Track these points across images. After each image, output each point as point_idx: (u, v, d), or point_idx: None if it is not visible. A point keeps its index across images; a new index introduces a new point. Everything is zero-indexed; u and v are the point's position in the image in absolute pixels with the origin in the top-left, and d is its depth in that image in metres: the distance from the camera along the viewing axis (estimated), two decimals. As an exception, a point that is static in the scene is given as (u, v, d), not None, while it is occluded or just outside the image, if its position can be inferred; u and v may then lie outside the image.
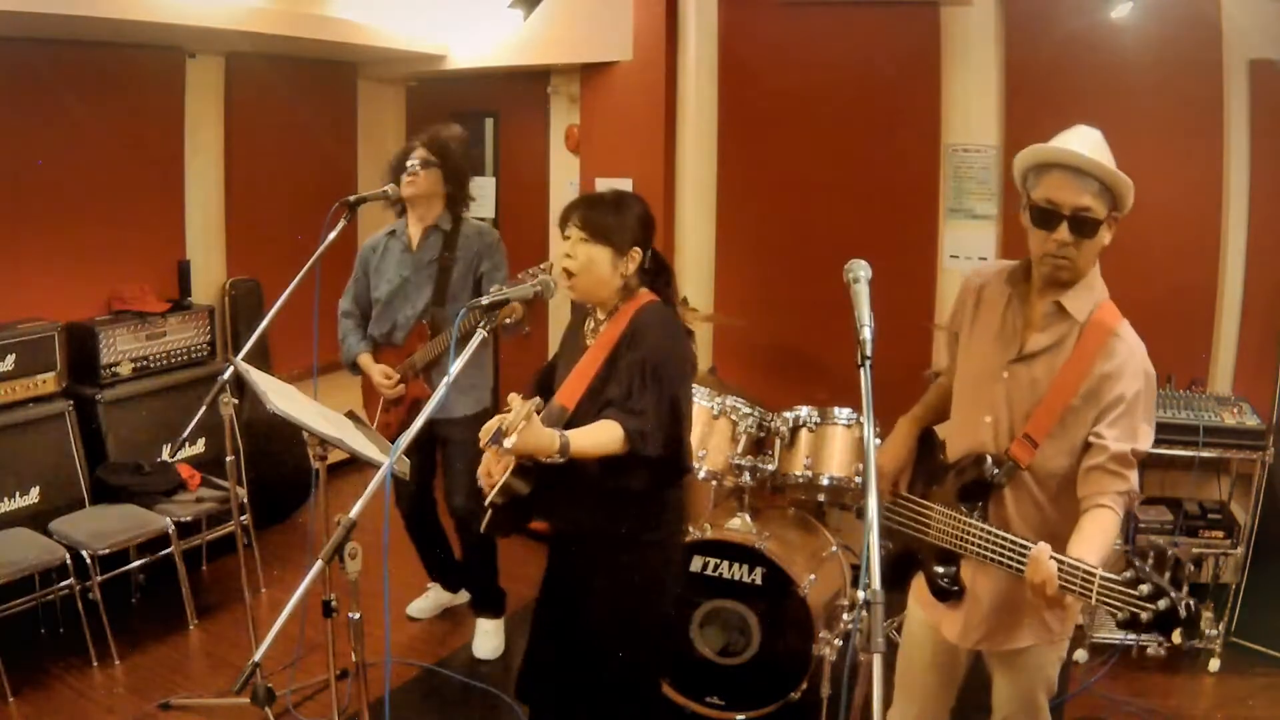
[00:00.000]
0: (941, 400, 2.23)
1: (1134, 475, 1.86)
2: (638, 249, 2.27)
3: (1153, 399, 1.90)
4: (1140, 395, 1.86)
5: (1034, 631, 2.01)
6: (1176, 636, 1.56)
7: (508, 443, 1.93)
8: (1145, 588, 1.57)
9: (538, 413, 2.29)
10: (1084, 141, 1.86)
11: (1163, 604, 1.55)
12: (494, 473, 2.29)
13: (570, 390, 2.25)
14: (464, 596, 3.79)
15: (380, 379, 3.34)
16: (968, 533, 1.92)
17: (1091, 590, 1.63)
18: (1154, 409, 1.91)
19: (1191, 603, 1.56)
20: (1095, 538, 1.77)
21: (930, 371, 2.37)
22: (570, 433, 2.07)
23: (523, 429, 1.94)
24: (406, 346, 3.36)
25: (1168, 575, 1.59)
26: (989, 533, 1.87)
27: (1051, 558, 1.69)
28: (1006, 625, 2.01)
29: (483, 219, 3.67)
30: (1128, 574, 1.60)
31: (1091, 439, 1.87)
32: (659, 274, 2.36)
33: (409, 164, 3.26)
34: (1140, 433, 1.86)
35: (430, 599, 3.80)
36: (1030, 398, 1.93)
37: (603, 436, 2.10)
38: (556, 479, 2.14)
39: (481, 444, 2.02)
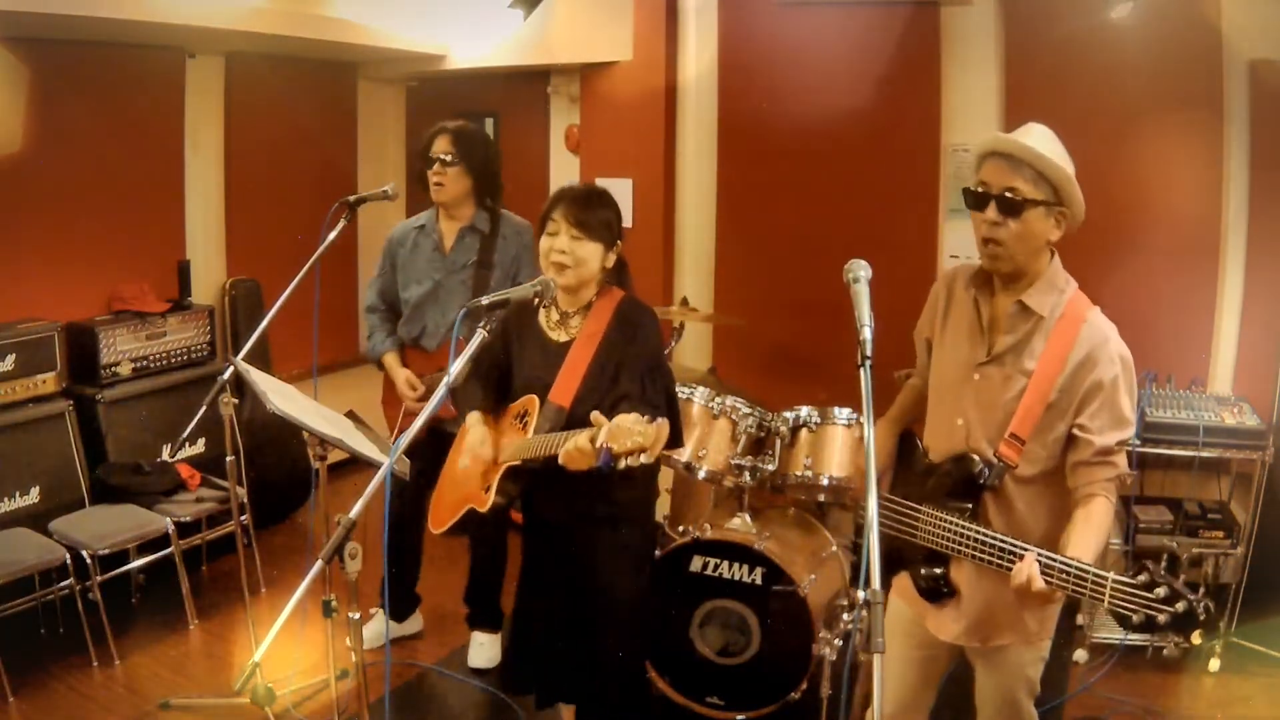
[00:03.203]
0: (914, 401, 2.25)
1: (1122, 459, 1.87)
2: (618, 243, 2.39)
3: (1132, 383, 1.90)
4: (1119, 380, 1.86)
5: (1012, 630, 2.01)
6: (1197, 637, 1.57)
7: (645, 458, 1.88)
8: (1161, 590, 1.56)
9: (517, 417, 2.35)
10: (1030, 135, 1.90)
11: (1180, 606, 1.55)
12: (480, 479, 2.35)
13: (563, 389, 2.30)
14: (413, 627, 3.61)
15: (405, 387, 3.22)
16: (960, 534, 1.90)
17: (1103, 594, 1.62)
18: (1135, 393, 1.92)
19: (1209, 604, 1.55)
20: (1088, 531, 1.79)
21: (901, 373, 2.36)
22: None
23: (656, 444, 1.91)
24: (439, 357, 3.23)
25: (1182, 578, 1.60)
26: (983, 534, 1.86)
27: (1059, 561, 1.69)
28: (985, 622, 2.01)
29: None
30: (1142, 577, 1.59)
31: (1076, 432, 1.88)
32: (621, 270, 2.46)
33: (433, 154, 3.12)
34: (1124, 421, 1.87)
35: (373, 627, 3.41)
36: (1002, 398, 1.93)
37: None
38: (556, 472, 2.16)
39: (596, 461, 1.93)
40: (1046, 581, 1.71)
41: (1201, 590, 1.58)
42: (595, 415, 1.99)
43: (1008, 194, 1.85)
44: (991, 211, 1.87)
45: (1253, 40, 3.45)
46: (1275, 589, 3.30)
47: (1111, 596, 1.62)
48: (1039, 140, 1.88)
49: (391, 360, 3.30)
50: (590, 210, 2.32)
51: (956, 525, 1.91)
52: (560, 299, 2.41)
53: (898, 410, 2.29)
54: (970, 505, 1.94)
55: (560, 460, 2.07)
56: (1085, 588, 1.65)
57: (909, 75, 4.03)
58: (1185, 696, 3.24)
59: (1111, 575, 1.63)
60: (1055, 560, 1.71)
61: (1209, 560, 3.48)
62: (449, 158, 3.12)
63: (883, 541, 2.10)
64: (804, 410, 3.22)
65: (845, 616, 2.94)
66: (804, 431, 3.20)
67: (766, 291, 4.43)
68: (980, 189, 1.89)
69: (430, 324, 3.25)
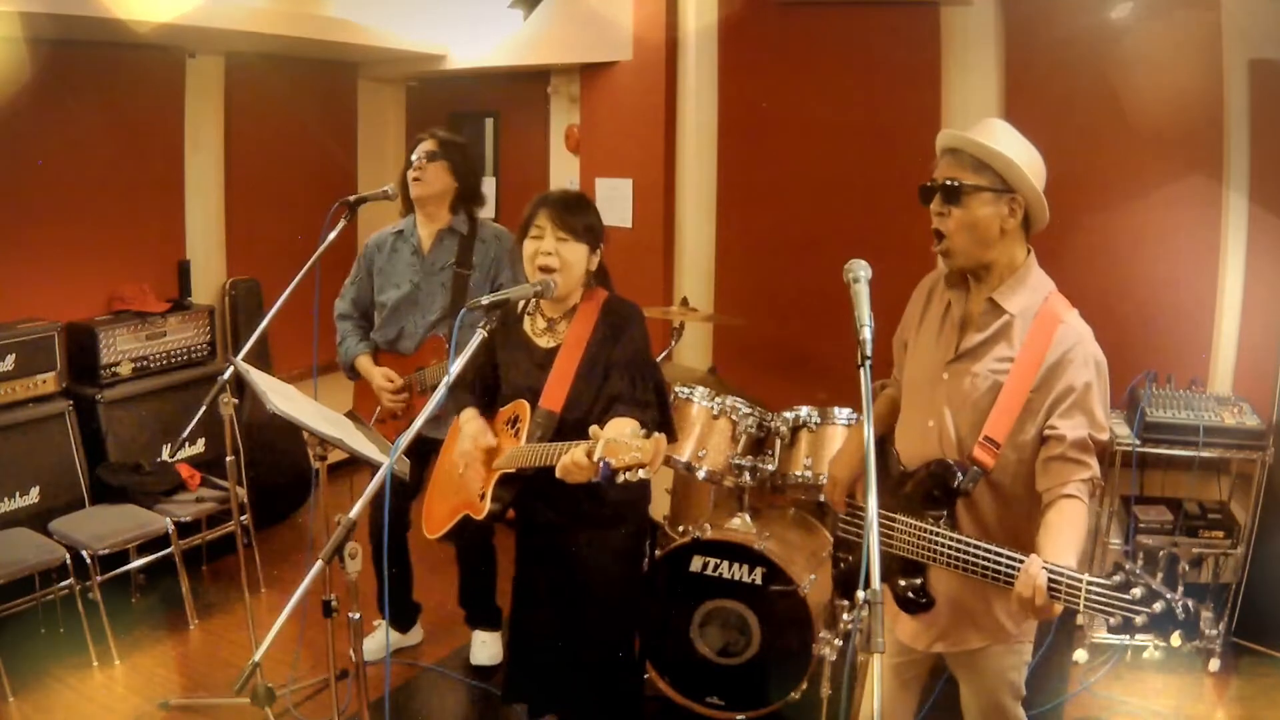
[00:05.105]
0: (890, 410, 2.23)
1: (1095, 462, 1.83)
2: (600, 246, 2.41)
3: (1105, 388, 1.87)
4: (1092, 385, 1.83)
5: (989, 632, 1.97)
6: (1175, 639, 1.52)
7: (644, 474, 1.88)
8: (1138, 591, 1.52)
9: (511, 423, 2.35)
10: (980, 128, 1.92)
11: (1158, 607, 1.50)
12: (473, 486, 2.35)
13: (553, 394, 2.31)
14: (414, 638, 3.56)
15: (381, 381, 3.20)
16: (936, 543, 1.86)
17: (1078, 597, 1.57)
18: (1108, 398, 1.88)
19: (1189, 603, 1.51)
20: (1067, 534, 1.73)
21: (877, 383, 2.35)
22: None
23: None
24: (417, 358, 3.21)
25: (1160, 576, 1.55)
26: (964, 543, 1.80)
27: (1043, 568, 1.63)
28: (959, 626, 1.98)
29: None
30: (1117, 577, 1.55)
31: (1047, 432, 1.84)
32: (603, 273, 2.48)
33: (414, 157, 3.12)
34: (1096, 420, 1.83)
35: (378, 639, 3.35)
36: (972, 397, 1.90)
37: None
38: (549, 474, 2.16)
39: (595, 476, 1.93)
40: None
41: (1180, 589, 1.53)
42: (594, 429, 1.97)
43: (948, 182, 1.88)
44: (936, 202, 1.91)
45: (1253, 40, 3.45)
46: (1275, 589, 3.30)
47: (1087, 599, 1.57)
48: (988, 132, 1.89)
49: (366, 362, 3.26)
50: (574, 214, 2.34)
51: (936, 534, 1.86)
52: (545, 306, 2.42)
53: (872, 418, 2.26)
54: (945, 512, 1.89)
55: (558, 474, 2.06)
56: (1060, 592, 1.60)
57: (909, 75, 4.03)
58: (1185, 696, 3.24)
59: (1086, 577, 1.58)
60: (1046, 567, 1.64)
61: (1209, 560, 3.49)
62: (432, 156, 3.12)
63: (857, 554, 2.10)
64: (804, 410, 3.22)
65: (845, 616, 2.94)
66: (804, 431, 3.20)
67: (766, 291, 4.43)
68: (927, 183, 1.94)
69: (408, 326, 3.22)
